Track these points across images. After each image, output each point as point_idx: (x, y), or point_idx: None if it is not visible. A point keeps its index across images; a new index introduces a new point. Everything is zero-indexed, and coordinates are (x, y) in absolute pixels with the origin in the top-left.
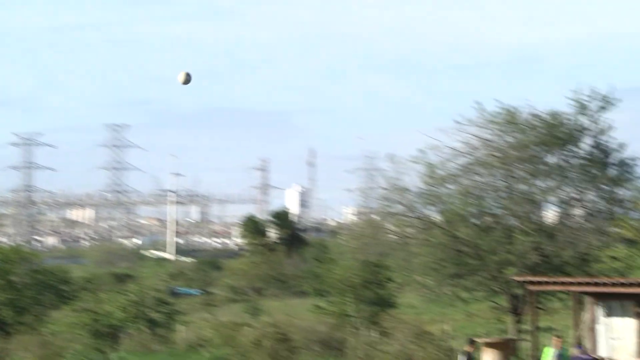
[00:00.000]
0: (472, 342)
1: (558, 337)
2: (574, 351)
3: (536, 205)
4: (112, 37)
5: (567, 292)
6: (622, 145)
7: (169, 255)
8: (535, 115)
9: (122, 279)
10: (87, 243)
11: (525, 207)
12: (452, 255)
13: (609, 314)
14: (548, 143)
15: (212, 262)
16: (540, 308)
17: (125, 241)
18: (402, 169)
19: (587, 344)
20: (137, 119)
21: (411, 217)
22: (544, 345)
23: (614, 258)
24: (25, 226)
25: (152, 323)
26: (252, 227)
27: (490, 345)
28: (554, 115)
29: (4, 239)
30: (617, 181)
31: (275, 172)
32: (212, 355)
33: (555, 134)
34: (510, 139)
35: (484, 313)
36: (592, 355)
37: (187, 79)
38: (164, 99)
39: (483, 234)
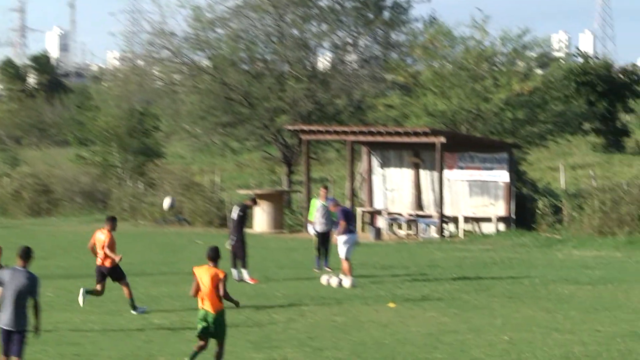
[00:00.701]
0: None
1: (325, 188)
2: (330, 205)
3: (309, 50)
4: None
5: (342, 142)
6: None
7: None
8: None
9: None
10: None
11: (297, 53)
12: (222, 103)
13: (386, 164)
14: None
15: None
16: (314, 158)
17: None
18: (168, 12)
19: (362, 195)
20: None
21: (178, 62)
22: (315, 197)
23: (390, 106)
24: None
25: None
26: (10, 71)
27: (261, 196)
28: None
29: None
30: (391, 25)
31: (34, 13)
32: None
33: None
34: None
35: (256, 163)
36: (350, 207)
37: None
38: None
39: (254, 80)
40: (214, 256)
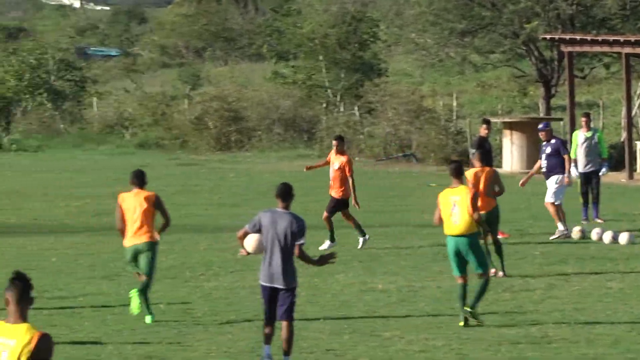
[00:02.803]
0: (487, 123)
1: (586, 116)
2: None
3: None
4: None
5: (615, 55)
6: None
7: (74, 2)
8: None
9: (13, 34)
10: None
11: None
12: (458, 5)
13: None
14: None
15: (133, 12)
16: (578, 77)
17: None
18: None
19: None
20: None
21: None
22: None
23: None
24: None
25: (57, 95)
26: None
27: (512, 126)
28: None
29: None
30: None
31: None
32: (138, 139)
33: None
34: None
35: (504, 83)
36: None
37: None
38: None
39: None
40: None
